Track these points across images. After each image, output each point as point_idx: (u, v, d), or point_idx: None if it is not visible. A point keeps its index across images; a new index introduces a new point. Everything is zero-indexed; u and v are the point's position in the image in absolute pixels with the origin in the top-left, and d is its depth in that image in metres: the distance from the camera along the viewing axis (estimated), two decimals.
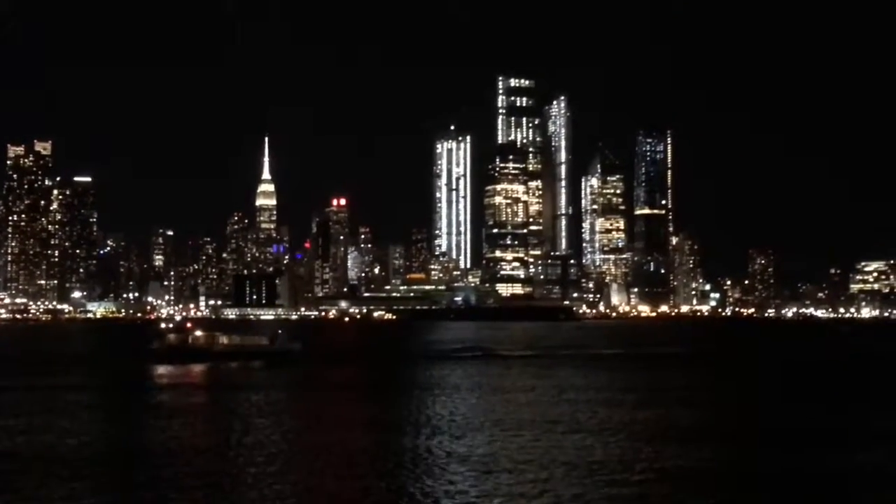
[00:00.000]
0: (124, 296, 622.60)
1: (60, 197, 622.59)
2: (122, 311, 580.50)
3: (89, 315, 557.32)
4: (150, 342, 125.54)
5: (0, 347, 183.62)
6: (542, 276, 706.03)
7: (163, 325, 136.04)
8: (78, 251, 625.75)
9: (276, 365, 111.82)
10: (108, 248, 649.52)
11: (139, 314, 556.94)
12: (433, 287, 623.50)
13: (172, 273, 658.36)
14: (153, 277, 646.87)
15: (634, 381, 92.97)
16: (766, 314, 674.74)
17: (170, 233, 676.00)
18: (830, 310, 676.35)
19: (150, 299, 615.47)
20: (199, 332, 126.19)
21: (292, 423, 60.17)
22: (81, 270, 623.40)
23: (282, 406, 69.79)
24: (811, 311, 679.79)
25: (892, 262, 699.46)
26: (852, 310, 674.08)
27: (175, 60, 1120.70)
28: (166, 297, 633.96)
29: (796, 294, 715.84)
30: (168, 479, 41.36)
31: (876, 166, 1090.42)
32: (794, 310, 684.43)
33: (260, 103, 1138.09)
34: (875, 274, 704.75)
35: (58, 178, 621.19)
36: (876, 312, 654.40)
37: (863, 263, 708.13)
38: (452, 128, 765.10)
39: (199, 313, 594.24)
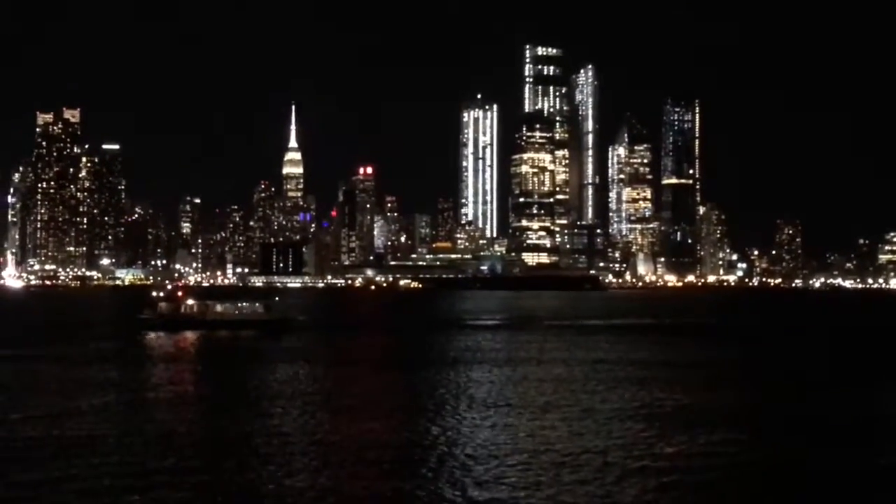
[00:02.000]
0: (152, 263, 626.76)
1: (89, 164, 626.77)
2: (150, 278, 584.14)
3: (117, 282, 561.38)
4: (141, 311, 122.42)
5: (6, 314, 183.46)
6: (568, 246, 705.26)
7: (154, 294, 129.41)
8: (106, 218, 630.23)
9: (272, 334, 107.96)
10: (136, 216, 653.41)
11: (167, 281, 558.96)
12: (459, 256, 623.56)
13: (200, 241, 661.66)
14: (181, 245, 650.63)
15: (674, 355, 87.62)
16: (794, 284, 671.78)
17: (197, 201, 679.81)
18: (859, 280, 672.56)
19: (177, 266, 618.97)
20: (191, 301, 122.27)
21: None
22: (110, 237, 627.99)
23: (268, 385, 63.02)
24: (839, 281, 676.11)
25: None
26: (881, 280, 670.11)
27: (203, 29, 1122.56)
28: (194, 265, 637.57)
29: (824, 264, 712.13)
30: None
31: None
32: (822, 280, 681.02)
33: (287, 72, 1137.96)
34: None
35: (86, 146, 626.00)
36: None
37: (892, 234, 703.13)
38: (479, 96, 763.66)
39: (226, 281, 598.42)
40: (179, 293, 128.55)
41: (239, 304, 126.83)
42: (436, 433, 43.71)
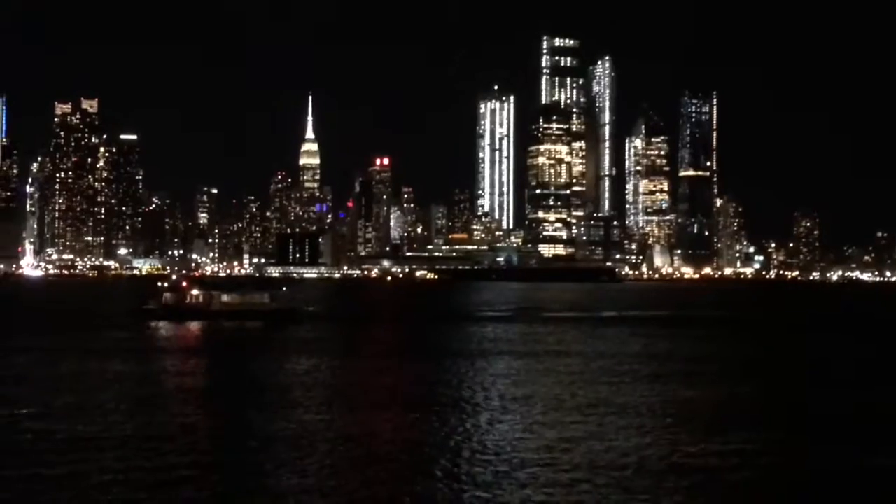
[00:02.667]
0: (169, 253, 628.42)
1: (107, 154, 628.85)
2: (167, 268, 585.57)
3: (135, 272, 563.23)
4: (146, 302, 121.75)
5: (14, 302, 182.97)
6: (584, 238, 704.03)
7: (159, 284, 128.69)
8: (124, 208, 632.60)
9: (278, 325, 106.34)
10: (154, 206, 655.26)
11: (184, 271, 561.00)
12: (475, 247, 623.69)
13: (217, 231, 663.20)
14: (198, 235, 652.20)
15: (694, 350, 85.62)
16: (811, 277, 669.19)
17: (214, 191, 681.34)
18: (877, 273, 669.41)
19: (194, 256, 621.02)
20: (195, 291, 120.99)
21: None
22: (127, 227, 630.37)
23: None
24: (857, 274, 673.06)
25: None
26: None
27: (222, 20, 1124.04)
28: (210, 255, 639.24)
29: (842, 257, 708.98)
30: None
31: None
32: (840, 273, 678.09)
33: (305, 62, 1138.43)
34: None
35: (104, 136, 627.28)
36: None
37: None
38: (496, 88, 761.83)
39: (242, 271, 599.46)
40: (184, 283, 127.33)
41: (245, 294, 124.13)
42: (448, 431, 41.77)
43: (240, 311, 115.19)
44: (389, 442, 39.49)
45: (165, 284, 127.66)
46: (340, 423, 44.36)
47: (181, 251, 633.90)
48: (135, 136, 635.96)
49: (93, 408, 47.37)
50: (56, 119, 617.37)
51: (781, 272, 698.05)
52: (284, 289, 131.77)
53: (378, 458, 36.14)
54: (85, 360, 69.87)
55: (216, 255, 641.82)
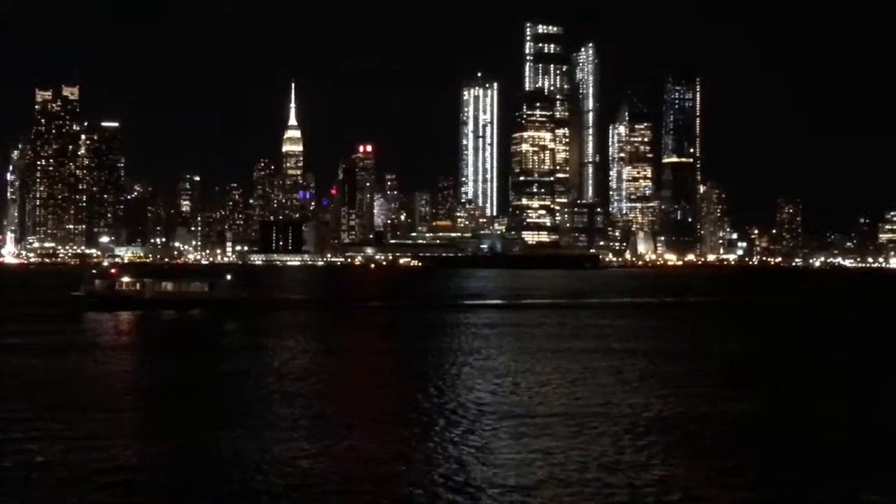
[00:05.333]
0: (151, 241, 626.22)
1: (88, 142, 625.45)
2: (150, 255, 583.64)
3: (117, 259, 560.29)
4: (76, 289, 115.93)
5: None
6: (568, 224, 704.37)
7: (90, 271, 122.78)
8: (105, 196, 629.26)
9: (216, 313, 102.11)
10: (136, 193, 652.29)
11: (166, 259, 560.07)
12: (459, 234, 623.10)
13: (199, 218, 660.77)
14: (180, 223, 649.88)
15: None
16: (794, 264, 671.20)
17: (196, 178, 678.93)
18: (859, 259, 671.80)
19: (177, 244, 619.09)
20: (126, 279, 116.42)
21: None
22: (109, 215, 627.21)
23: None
24: (839, 260, 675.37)
25: None
26: (881, 259, 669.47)
27: (205, 6, 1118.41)
28: (193, 243, 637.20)
29: (824, 243, 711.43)
30: None
31: None
32: (822, 259, 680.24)
33: (287, 49, 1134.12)
34: None
35: (85, 123, 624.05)
36: None
37: (892, 213, 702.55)
38: (479, 75, 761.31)
39: (225, 259, 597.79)
40: (113, 270, 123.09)
41: (182, 283, 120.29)
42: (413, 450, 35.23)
43: (176, 301, 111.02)
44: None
45: (94, 271, 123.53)
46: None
47: (164, 239, 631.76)
48: (116, 124, 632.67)
49: None
50: (37, 106, 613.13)
51: (764, 258, 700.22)
52: (228, 277, 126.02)
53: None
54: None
55: (199, 244, 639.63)
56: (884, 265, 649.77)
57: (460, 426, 39.62)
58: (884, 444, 37.73)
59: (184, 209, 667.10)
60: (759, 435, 38.93)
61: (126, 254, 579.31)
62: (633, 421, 40.79)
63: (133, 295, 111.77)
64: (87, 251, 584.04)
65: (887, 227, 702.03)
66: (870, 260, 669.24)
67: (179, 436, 37.45)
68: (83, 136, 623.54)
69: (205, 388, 51.05)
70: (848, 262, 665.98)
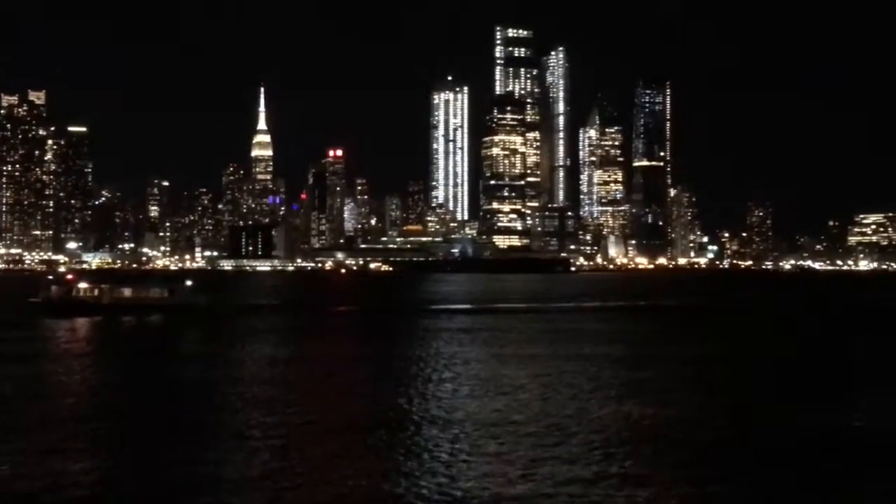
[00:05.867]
0: (120, 246, 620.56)
1: (55, 147, 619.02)
2: (118, 261, 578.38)
3: (84, 266, 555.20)
4: (33, 295, 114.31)
5: None
6: (539, 228, 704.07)
7: (48, 277, 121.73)
8: (73, 201, 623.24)
9: (176, 319, 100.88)
10: (104, 199, 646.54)
11: (135, 265, 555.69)
12: (430, 239, 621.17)
13: (168, 224, 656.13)
14: (149, 228, 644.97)
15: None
16: (764, 266, 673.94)
17: (165, 183, 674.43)
18: (828, 262, 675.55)
19: (145, 250, 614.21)
20: (83, 284, 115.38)
21: None
22: (76, 221, 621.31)
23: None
24: (809, 263, 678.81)
25: (890, 214, 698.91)
26: (850, 262, 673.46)
27: (173, 13, 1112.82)
28: (162, 248, 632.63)
29: (794, 246, 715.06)
30: None
31: (874, 120, 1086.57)
32: (792, 262, 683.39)
33: (256, 54, 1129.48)
34: (873, 226, 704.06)
35: (52, 128, 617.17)
36: (874, 265, 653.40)
37: (861, 216, 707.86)
38: (450, 78, 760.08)
39: (194, 264, 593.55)
40: (70, 276, 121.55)
41: (140, 289, 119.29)
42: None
43: (134, 306, 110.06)
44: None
45: (51, 277, 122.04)
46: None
47: (132, 245, 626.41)
48: (84, 129, 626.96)
49: None
50: (2, 111, 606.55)
51: (735, 261, 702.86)
52: (188, 283, 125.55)
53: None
54: None
55: (167, 249, 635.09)
56: (853, 268, 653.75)
57: (430, 436, 38.19)
58: (865, 449, 36.92)
59: (152, 215, 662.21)
60: (735, 443, 37.77)
61: (94, 260, 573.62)
62: (605, 429, 39.48)
63: (91, 301, 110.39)
64: (55, 257, 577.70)
65: (856, 229, 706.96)
66: (839, 262, 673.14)
67: (136, 448, 36.19)
68: (50, 141, 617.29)
69: (157, 398, 49.13)
70: (817, 265, 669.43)
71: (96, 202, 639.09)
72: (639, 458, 34.43)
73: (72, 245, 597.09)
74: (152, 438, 38.25)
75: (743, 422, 42.47)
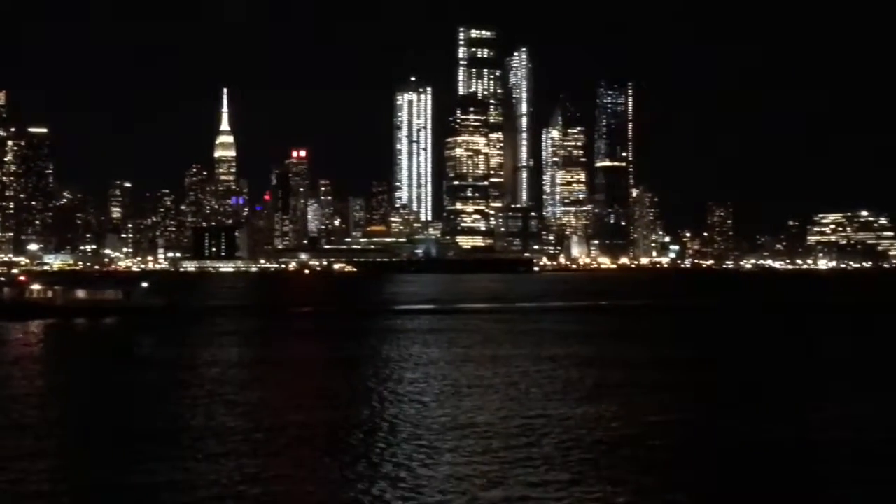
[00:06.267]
0: (81, 248, 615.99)
1: (15, 148, 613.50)
2: (80, 263, 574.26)
3: (46, 268, 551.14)
4: None
5: None
6: (502, 229, 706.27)
7: (1, 279, 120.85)
8: (34, 203, 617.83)
9: (131, 322, 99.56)
10: (65, 200, 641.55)
11: (97, 266, 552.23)
12: (394, 239, 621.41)
13: (130, 225, 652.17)
14: (111, 230, 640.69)
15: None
16: (725, 266, 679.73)
17: (127, 185, 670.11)
18: (788, 261, 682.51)
19: (107, 252, 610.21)
20: (37, 286, 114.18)
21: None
22: (38, 222, 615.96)
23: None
24: (769, 262, 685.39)
25: (849, 213, 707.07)
26: (809, 261, 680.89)
27: (134, 13, 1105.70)
28: (124, 250, 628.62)
29: (754, 246, 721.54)
30: None
31: (833, 120, 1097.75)
32: (753, 261, 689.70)
33: (219, 55, 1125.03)
34: (832, 226, 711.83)
35: (12, 129, 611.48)
36: (833, 264, 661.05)
37: (820, 215, 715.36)
38: (413, 79, 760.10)
39: (157, 266, 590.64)
40: (22, 278, 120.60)
41: (94, 290, 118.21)
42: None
43: (89, 308, 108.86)
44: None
45: (2, 279, 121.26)
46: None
47: (94, 246, 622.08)
48: (45, 130, 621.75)
49: None
50: None
51: (696, 261, 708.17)
52: (144, 284, 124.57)
53: None
54: None
55: (130, 250, 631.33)
56: (812, 266, 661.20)
57: (397, 440, 38.06)
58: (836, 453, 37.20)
59: (114, 216, 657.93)
60: (697, 447, 37.92)
61: (55, 261, 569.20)
62: (575, 431, 39.71)
63: (44, 303, 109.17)
64: (16, 259, 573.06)
65: (815, 229, 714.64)
66: (799, 262, 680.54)
67: (83, 458, 35.17)
68: (10, 142, 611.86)
69: (106, 404, 48.32)
70: (778, 264, 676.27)
71: (58, 203, 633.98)
72: (612, 461, 34.61)
73: (33, 247, 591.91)
74: (99, 447, 37.30)
75: (709, 424, 42.87)
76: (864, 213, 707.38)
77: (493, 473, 32.42)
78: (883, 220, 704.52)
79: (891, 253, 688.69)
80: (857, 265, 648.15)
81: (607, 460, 34.81)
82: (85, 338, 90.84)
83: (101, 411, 45.98)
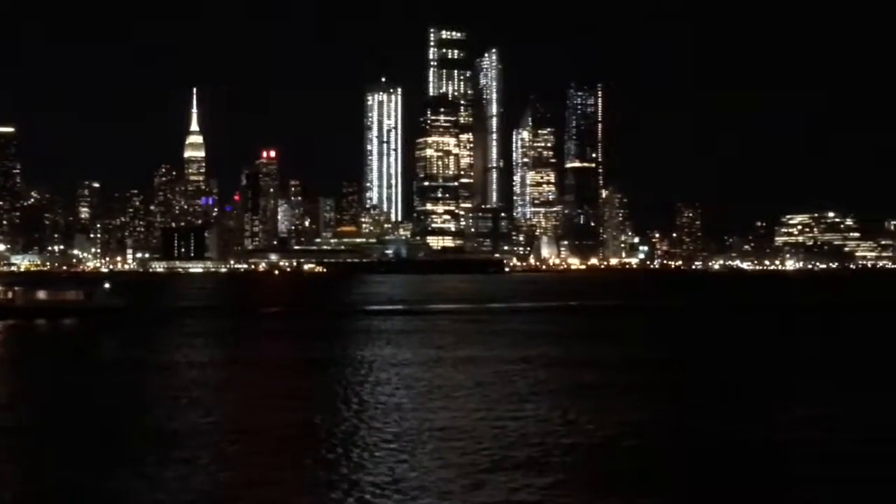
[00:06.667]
0: (49, 248, 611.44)
1: None
2: (48, 264, 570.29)
3: (13, 268, 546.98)
4: None
5: None
6: (472, 229, 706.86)
7: None
8: (1, 203, 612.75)
9: (91, 322, 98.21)
10: (32, 200, 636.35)
11: (65, 267, 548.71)
12: (364, 240, 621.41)
13: (99, 226, 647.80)
14: (79, 230, 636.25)
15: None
16: (694, 266, 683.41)
17: (96, 185, 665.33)
18: (756, 262, 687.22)
19: (76, 252, 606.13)
20: None
21: None
22: (4, 223, 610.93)
23: None
24: (738, 263, 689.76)
25: (815, 214, 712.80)
26: (777, 262, 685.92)
27: (103, 11, 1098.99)
28: (93, 250, 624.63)
29: (723, 247, 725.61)
30: None
31: (800, 121, 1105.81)
32: (721, 262, 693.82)
33: (188, 53, 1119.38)
34: (799, 227, 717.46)
35: None
36: (800, 265, 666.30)
37: (788, 217, 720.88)
38: (383, 80, 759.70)
39: (126, 266, 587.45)
40: None
41: (55, 291, 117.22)
42: None
43: (48, 309, 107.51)
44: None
45: None
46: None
47: (62, 247, 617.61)
48: (12, 129, 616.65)
49: None
50: None
51: (665, 262, 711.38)
52: (106, 285, 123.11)
53: None
54: None
55: (98, 251, 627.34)
56: (780, 267, 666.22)
57: (369, 445, 36.97)
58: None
59: (83, 216, 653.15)
60: (670, 448, 37.71)
61: (23, 262, 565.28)
62: (552, 434, 39.26)
63: (3, 303, 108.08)
64: None
65: (783, 230, 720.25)
66: (766, 262, 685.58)
67: (49, 463, 33.85)
68: None
69: (70, 406, 47.18)
70: (746, 265, 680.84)
71: (25, 204, 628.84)
72: (589, 464, 34.32)
73: (0, 247, 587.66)
74: (57, 451, 36.16)
75: (681, 425, 42.78)
76: (831, 214, 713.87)
77: (474, 477, 31.77)
78: (849, 222, 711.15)
79: (857, 254, 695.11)
80: (824, 266, 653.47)
81: (584, 463, 34.61)
82: (46, 339, 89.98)
83: (60, 414, 44.87)
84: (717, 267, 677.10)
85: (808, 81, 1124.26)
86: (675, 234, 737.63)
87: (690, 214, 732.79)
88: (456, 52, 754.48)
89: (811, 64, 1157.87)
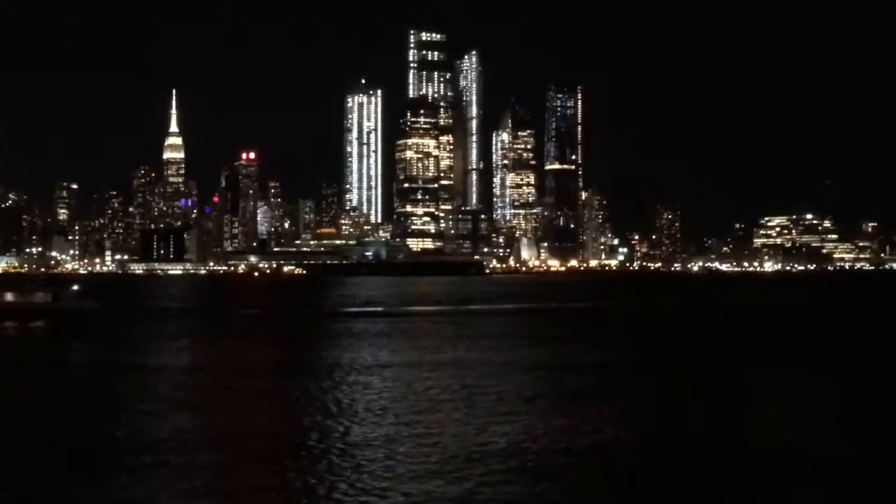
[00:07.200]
0: (28, 250, 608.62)
1: None
2: (26, 265, 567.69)
3: None
4: None
5: None
6: (452, 231, 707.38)
7: None
8: None
9: (59, 325, 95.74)
10: (10, 202, 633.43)
11: (43, 269, 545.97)
12: (343, 242, 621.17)
13: (77, 227, 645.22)
14: (57, 232, 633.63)
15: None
16: (673, 268, 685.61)
17: (74, 186, 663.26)
18: (735, 264, 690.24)
19: (54, 254, 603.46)
20: None
21: None
22: None
23: None
24: (716, 264, 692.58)
25: (794, 216, 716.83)
26: (756, 264, 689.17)
27: (82, 12, 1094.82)
28: (71, 252, 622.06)
29: (702, 248, 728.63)
30: None
31: (778, 122, 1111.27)
32: (700, 264, 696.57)
33: (168, 56, 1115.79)
34: (778, 228, 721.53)
35: None
36: (778, 266, 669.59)
37: (766, 218, 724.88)
38: (363, 81, 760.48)
39: (104, 268, 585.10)
40: None
41: (24, 293, 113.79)
42: None
43: (15, 311, 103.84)
44: None
45: None
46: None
47: (40, 248, 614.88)
48: None
49: None
50: None
51: (645, 263, 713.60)
52: (75, 287, 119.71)
53: None
54: None
55: (77, 253, 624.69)
56: (758, 269, 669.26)
57: (350, 454, 35.39)
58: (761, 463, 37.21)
59: (61, 218, 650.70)
60: (657, 454, 37.05)
61: (0, 264, 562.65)
62: (539, 440, 38.74)
63: None
64: None
65: (761, 232, 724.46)
66: (745, 264, 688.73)
67: (13, 473, 32.68)
68: None
69: (35, 412, 45.55)
70: (725, 267, 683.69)
71: (3, 205, 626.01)
72: (577, 471, 33.54)
73: None
74: (21, 460, 35.05)
75: (664, 430, 42.32)
76: (809, 216, 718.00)
77: (463, 486, 30.76)
78: (827, 224, 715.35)
79: (835, 256, 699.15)
80: (802, 267, 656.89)
81: (571, 470, 33.83)
82: (12, 342, 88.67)
83: (24, 421, 43.29)
84: (696, 269, 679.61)
85: (787, 82, 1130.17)
86: (654, 236, 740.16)
87: (670, 216, 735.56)
88: (436, 53, 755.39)
89: (790, 65, 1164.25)
